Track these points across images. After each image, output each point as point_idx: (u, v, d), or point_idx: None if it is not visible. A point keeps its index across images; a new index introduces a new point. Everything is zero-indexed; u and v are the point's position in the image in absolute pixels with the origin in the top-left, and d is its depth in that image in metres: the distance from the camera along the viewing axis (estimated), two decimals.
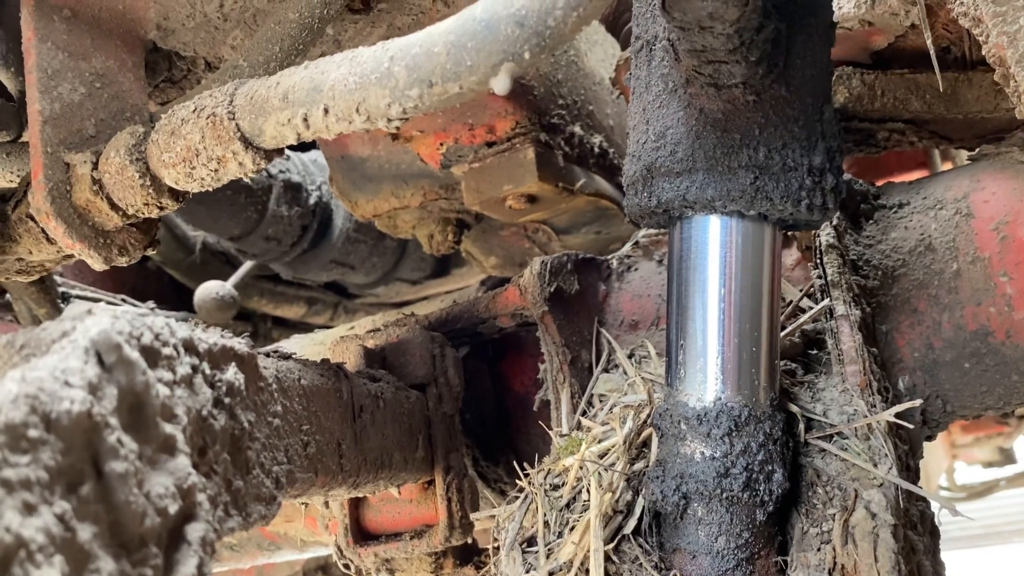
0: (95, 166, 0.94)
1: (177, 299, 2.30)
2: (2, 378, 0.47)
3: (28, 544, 0.42)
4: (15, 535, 0.42)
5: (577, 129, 1.63)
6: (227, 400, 0.63)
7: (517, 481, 1.03)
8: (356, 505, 1.24)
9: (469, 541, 1.27)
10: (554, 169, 1.58)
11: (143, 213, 0.95)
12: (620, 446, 0.98)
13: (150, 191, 0.92)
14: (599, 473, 0.94)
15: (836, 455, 0.94)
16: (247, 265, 2.37)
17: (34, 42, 1.00)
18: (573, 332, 1.32)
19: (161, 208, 0.94)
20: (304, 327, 2.53)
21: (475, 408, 1.47)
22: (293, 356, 0.88)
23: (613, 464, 0.97)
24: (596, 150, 1.69)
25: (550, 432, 1.20)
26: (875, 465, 0.91)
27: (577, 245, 2.02)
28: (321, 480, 0.84)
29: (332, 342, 1.29)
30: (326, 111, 0.74)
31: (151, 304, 1.97)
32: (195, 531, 0.54)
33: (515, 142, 1.48)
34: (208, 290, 2.05)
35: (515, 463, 1.41)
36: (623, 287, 1.45)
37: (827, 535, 0.89)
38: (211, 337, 0.63)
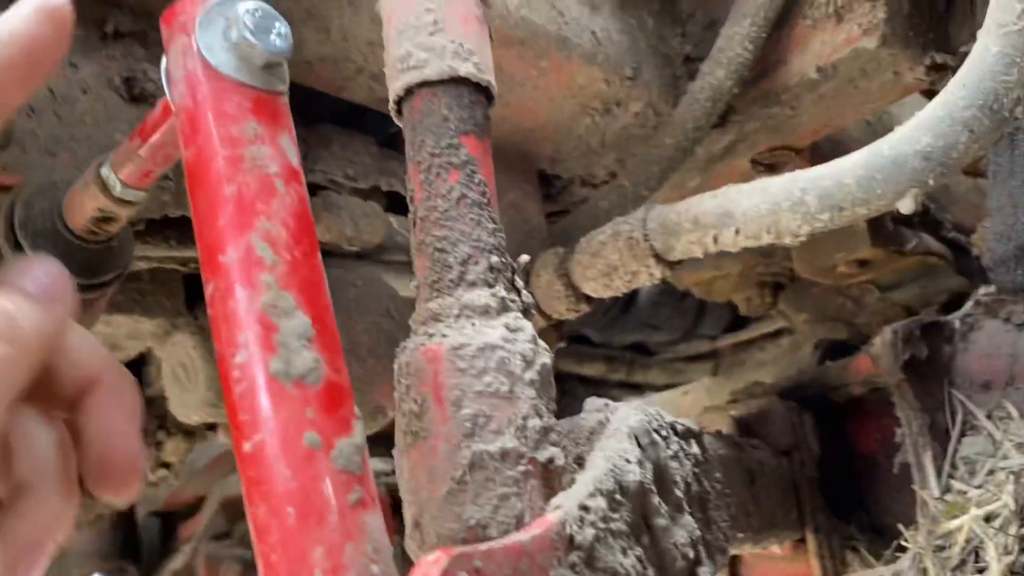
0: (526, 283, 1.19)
1: None
2: (582, 458, 0.67)
3: (629, 574, 0.62)
4: (622, 566, 0.62)
5: None
6: (695, 469, 0.81)
7: (900, 541, 1.11)
8: (732, 561, 1.38)
9: None
10: (885, 233, 1.66)
11: (563, 316, 1.18)
12: (1010, 510, 1.03)
13: (571, 299, 1.14)
14: (993, 535, 1.00)
15: None
16: None
17: None
18: (926, 396, 1.38)
19: (577, 312, 1.17)
20: (601, 383, 2.73)
21: (823, 468, 1.56)
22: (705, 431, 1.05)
23: (1002, 527, 1.02)
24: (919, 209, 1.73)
25: (917, 494, 1.26)
26: None
27: (902, 300, 2.04)
28: (738, 537, 1.00)
29: (697, 412, 1.45)
30: (736, 232, 0.91)
31: None
32: (704, 573, 0.72)
33: None
34: None
35: (867, 522, 1.48)
36: (968, 347, 1.48)
37: None
38: (680, 420, 0.82)
